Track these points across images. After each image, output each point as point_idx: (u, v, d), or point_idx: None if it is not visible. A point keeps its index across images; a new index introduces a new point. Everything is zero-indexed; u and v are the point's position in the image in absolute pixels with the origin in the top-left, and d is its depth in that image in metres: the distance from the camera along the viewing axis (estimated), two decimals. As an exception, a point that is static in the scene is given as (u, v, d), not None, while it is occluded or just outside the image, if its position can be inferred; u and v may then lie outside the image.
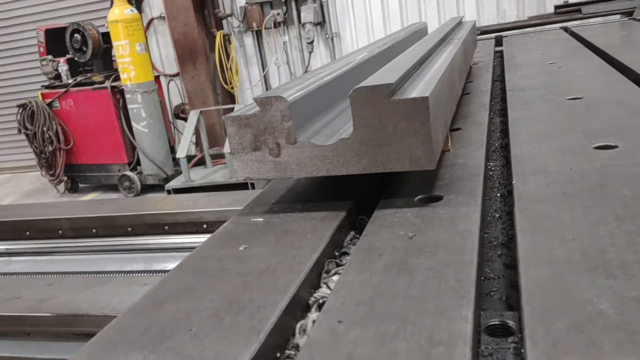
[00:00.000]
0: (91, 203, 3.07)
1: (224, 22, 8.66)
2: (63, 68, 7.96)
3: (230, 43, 8.65)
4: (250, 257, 0.97)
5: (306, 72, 7.80)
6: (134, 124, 7.63)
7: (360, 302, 0.76)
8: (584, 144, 1.25)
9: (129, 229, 2.28)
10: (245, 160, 1.13)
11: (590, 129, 1.36)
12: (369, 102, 1.03)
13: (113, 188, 8.22)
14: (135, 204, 2.71)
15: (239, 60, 8.91)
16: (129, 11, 7.27)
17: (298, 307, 0.84)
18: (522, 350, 0.67)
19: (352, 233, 1.11)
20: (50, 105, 7.95)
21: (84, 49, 7.84)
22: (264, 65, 8.96)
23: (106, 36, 7.66)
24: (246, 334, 0.72)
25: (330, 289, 0.88)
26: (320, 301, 0.85)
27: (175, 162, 7.71)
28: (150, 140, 7.68)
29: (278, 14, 8.37)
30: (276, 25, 8.46)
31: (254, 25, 8.54)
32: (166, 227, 2.23)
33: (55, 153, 8.08)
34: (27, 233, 2.42)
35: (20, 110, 8.04)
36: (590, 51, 2.60)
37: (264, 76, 8.96)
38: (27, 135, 8.09)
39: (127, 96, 7.52)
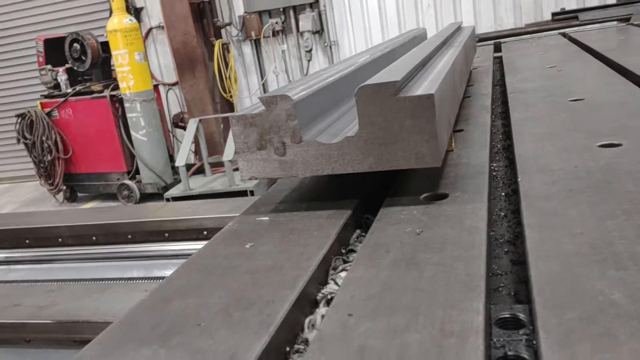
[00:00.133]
0: (91, 211, 3.06)
1: (223, 31, 8.70)
2: (62, 77, 7.98)
3: (229, 52, 8.69)
4: (256, 254, 0.96)
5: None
6: (133, 133, 7.64)
7: (370, 296, 0.76)
8: (588, 143, 1.25)
9: (129, 236, 2.26)
10: (250, 159, 1.12)
11: (593, 129, 1.36)
12: (375, 100, 1.03)
13: (112, 197, 8.21)
14: (135, 212, 2.70)
15: (238, 69, 8.94)
16: (127, 20, 7.30)
17: (306, 303, 0.83)
18: (534, 342, 0.66)
19: (358, 231, 1.11)
20: (49, 114, 7.96)
21: (83, 58, 7.86)
22: (262, 74, 8.99)
23: (105, 45, 7.69)
24: (256, 328, 0.72)
25: (339, 285, 0.87)
26: (329, 297, 0.85)
27: (174, 170, 7.71)
28: (149, 149, 7.68)
29: (276, 22, 8.41)
30: (275, 34, 8.50)
31: (253, 34, 8.58)
32: (166, 234, 2.21)
33: (54, 162, 8.08)
34: (27, 241, 2.40)
35: (19, 120, 8.05)
36: (590, 55, 2.61)
37: (263, 85, 8.98)
38: (26, 144, 8.09)
39: (126, 105, 7.53)
